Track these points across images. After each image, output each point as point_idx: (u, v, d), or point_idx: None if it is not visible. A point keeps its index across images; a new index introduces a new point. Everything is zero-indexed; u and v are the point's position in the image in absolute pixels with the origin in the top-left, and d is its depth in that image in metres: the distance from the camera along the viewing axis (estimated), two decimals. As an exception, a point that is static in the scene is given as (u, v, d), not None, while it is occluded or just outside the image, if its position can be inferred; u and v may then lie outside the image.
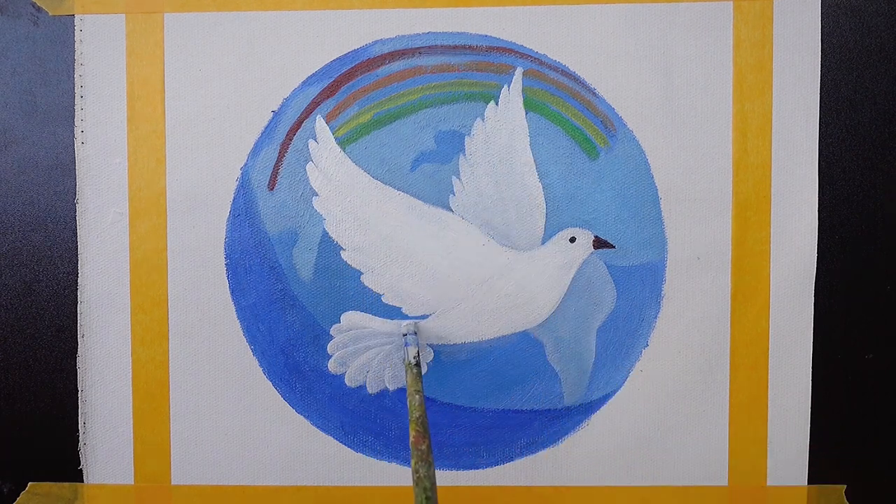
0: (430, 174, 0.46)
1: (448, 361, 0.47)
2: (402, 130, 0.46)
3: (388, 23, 0.46)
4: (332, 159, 0.46)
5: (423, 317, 0.47)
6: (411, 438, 0.36)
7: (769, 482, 0.47)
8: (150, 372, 0.47)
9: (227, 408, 0.47)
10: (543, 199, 0.46)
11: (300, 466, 0.47)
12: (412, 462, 0.35)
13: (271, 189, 0.46)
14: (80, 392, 0.47)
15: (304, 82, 0.46)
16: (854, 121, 0.46)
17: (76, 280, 0.47)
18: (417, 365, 0.42)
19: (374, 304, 0.46)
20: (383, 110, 0.46)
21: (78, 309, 0.47)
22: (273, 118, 0.46)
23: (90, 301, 0.47)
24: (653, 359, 0.46)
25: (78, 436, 0.47)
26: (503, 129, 0.46)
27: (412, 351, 0.43)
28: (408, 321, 0.46)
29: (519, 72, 0.46)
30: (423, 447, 0.35)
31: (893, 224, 0.46)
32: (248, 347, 0.47)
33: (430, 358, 0.47)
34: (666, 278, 0.46)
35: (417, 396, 0.38)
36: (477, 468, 0.47)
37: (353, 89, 0.46)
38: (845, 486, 0.47)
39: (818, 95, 0.45)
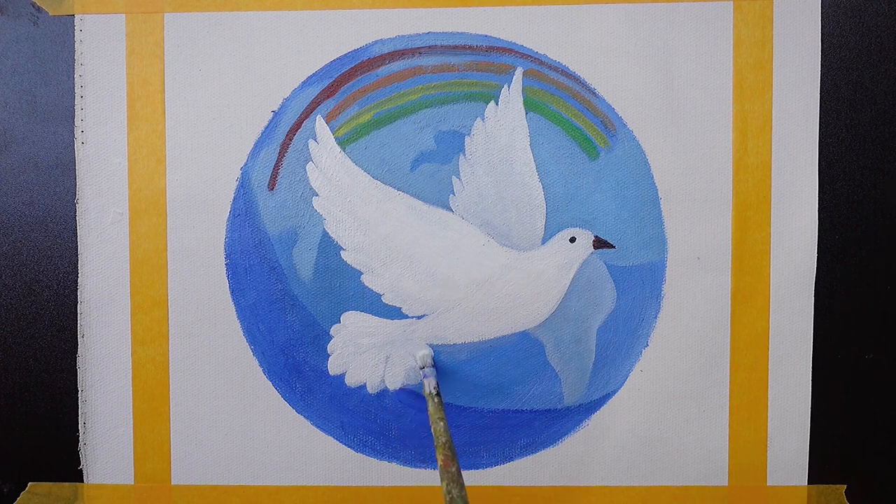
0: (430, 174, 0.46)
1: (448, 361, 0.47)
2: (402, 130, 0.46)
3: (388, 23, 0.46)
4: (332, 159, 0.46)
5: (423, 317, 0.47)
6: (440, 462, 0.38)
7: (769, 482, 0.47)
8: (150, 372, 0.47)
9: (227, 408, 0.47)
10: (543, 199, 0.46)
11: (300, 466, 0.47)
12: (443, 484, 0.37)
13: (271, 189, 0.46)
14: (80, 392, 0.47)
15: (304, 82, 0.46)
16: (854, 121, 0.46)
17: (76, 280, 0.47)
18: (438, 395, 0.42)
19: (374, 304, 0.46)
20: (383, 110, 0.46)
21: (78, 309, 0.47)
22: (273, 118, 0.46)
23: (90, 301, 0.47)
24: (653, 359, 0.46)
25: (78, 436, 0.47)
26: (503, 129, 0.46)
27: (431, 382, 0.43)
28: (423, 352, 0.46)
29: (519, 72, 0.46)
30: (454, 469, 0.37)
31: (893, 224, 0.46)
32: (248, 347, 0.47)
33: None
34: (666, 278, 0.46)
35: (441, 423, 0.40)
36: (477, 468, 0.47)
37: (353, 89, 0.46)
38: (845, 486, 0.47)
39: (818, 95, 0.45)
